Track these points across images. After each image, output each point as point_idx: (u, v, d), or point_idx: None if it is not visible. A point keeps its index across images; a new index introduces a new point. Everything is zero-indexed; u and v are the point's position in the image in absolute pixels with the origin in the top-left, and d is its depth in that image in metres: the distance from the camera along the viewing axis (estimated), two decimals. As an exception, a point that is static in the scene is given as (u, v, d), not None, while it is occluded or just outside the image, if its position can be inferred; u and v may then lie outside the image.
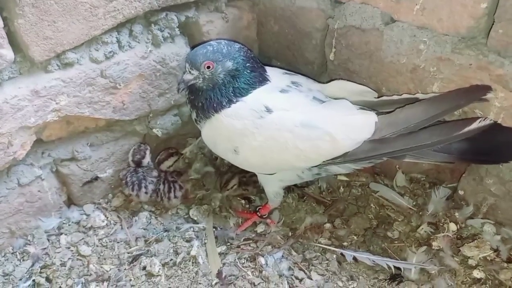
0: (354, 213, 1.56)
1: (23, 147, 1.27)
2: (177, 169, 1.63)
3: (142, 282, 1.36)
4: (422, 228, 1.44)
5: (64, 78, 1.27)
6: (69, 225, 1.51)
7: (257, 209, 1.55)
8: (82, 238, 1.48)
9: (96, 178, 1.53)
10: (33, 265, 1.39)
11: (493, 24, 1.15)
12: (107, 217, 1.54)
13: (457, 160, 1.26)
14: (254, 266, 1.41)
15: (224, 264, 1.41)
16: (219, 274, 1.37)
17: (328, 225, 1.53)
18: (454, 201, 1.49)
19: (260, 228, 1.53)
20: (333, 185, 1.66)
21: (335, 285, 1.35)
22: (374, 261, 1.37)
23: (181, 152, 1.66)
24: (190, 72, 1.31)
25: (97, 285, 1.35)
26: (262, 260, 1.41)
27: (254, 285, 1.35)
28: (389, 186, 1.61)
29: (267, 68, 1.39)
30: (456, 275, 1.33)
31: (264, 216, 1.54)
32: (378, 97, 1.38)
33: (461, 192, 1.46)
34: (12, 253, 1.42)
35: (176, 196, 1.55)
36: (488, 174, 1.35)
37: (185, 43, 1.51)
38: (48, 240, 1.46)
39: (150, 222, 1.54)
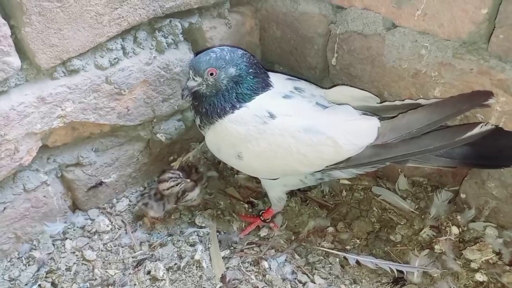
0: (356, 217, 1.57)
1: (29, 153, 1.29)
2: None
3: (146, 286, 1.37)
4: (425, 232, 1.45)
5: (70, 84, 1.28)
6: (74, 230, 1.52)
7: (260, 213, 1.56)
8: (87, 243, 1.49)
9: (101, 183, 1.54)
10: (38, 270, 1.40)
11: (493, 29, 1.16)
12: (112, 222, 1.55)
13: (459, 164, 1.27)
14: (257, 270, 1.41)
15: (227, 268, 1.42)
16: (223, 278, 1.38)
17: (331, 229, 1.53)
18: (456, 205, 1.50)
19: (263, 232, 1.54)
20: (335, 189, 1.67)
21: (337, 289, 1.37)
22: (377, 265, 1.37)
23: (187, 180, 1.54)
24: (193, 78, 1.33)
25: (102, 290, 1.36)
26: (265, 264, 1.42)
27: (258, 289, 1.37)
28: (392, 189, 1.61)
29: (270, 74, 1.41)
30: (459, 278, 1.33)
31: (267, 220, 1.55)
32: (380, 102, 1.39)
33: (463, 196, 1.47)
34: (17, 258, 1.43)
35: (155, 210, 1.54)
36: (490, 177, 1.36)
37: (188, 49, 1.53)
38: (54, 245, 1.48)
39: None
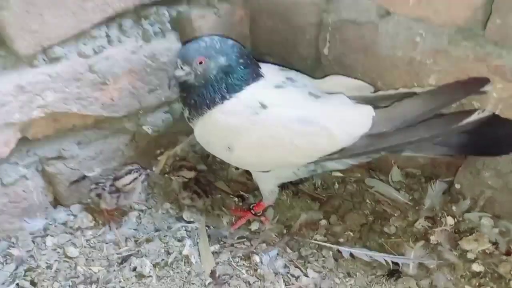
0: (349, 209, 1.53)
1: (7, 144, 1.23)
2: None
3: (132, 283, 1.32)
4: (419, 223, 1.42)
5: (51, 73, 1.22)
6: (55, 226, 1.46)
7: (251, 206, 1.51)
8: (69, 240, 1.43)
9: (84, 178, 1.48)
10: (17, 268, 1.34)
11: (490, 14, 1.13)
12: (95, 218, 1.49)
13: (457, 152, 1.26)
14: (248, 264, 1.38)
15: (217, 263, 1.37)
16: (212, 273, 1.34)
17: (323, 222, 1.50)
18: (451, 195, 1.48)
19: (254, 226, 1.50)
20: (328, 181, 1.63)
21: (332, 282, 1.33)
22: (372, 257, 1.35)
23: (145, 169, 1.51)
24: (181, 67, 1.27)
25: (85, 288, 1.30)
26: (257, 258, 1.38)
27: (249, 284, 1.33)
28: (385, 181, 1.58)
29: (261, 65, 1.36)
30: (455, 269, 1.31)
31: (258, 214, 1.51)
32: (374, 92, 1.36)
33: (457, 186, 1.45)
34: (-6, 257, 1.37)
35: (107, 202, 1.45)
36: (485, 167, 1.34)
37: (176, 38, 1.47)
38: (33, 242, 1.41)
39: (141, 222, 1.49)
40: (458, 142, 1.22)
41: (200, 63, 1.25)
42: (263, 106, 1.25)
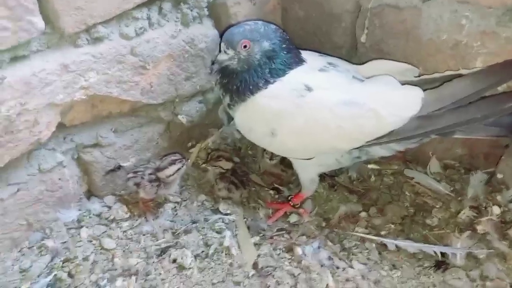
0: (388, 202, 1.49)
1: (48, 127, 1.18)
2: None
3: (173, 275, 1.26)
4: (464, 213, 1.38)
5: (94, 53, 1.19)
6: (90, 217, 1.41)
7: (289, 198, 1.47)
8: (105, 231, 1.37)
9: (119, 167, 1.43)
10: (52, 260, 1.28)
11: (542, -7, 1.13)
12: (130, 209, 1.44)
13: (510, 133, 1.22)
14: (291, 256, 1.33)
15: (259, 255, 1.32)
16: (255, 265, 1.29)
17: (363, 214, 1.46)
18: (492, 186, 1.44)
19: (293, 218, 1.46)
20: (363, 174, 1.59)
21: (378, 274, 1.28)
22: (419, 249, 1.30)
23: (186, 158, 1.50)
24: (225, 51, 1.25)
25: (124, 280, 1.24)
26: (299, 250, 1.33)
27: (294, 276, 1.27)
28: (423, 173, 1.54)
29: (301, 51, 1.34)
30: (506, 259, 1.26)
31: (296, 206, 1.46)
32: (417, 76, 1.34)
33: (500, 176, 1.41)
34: (28, 248, 1.31)
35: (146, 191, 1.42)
36: (531, 154, 1.31)
37: (212, 25, 1.45)
38: (68, 233, 1.35)
39: (177, 214, 1.45)
40: (511, 122, 1.19)
41: (245, 47, 1.23)
42: (309, 89, 1.22)
